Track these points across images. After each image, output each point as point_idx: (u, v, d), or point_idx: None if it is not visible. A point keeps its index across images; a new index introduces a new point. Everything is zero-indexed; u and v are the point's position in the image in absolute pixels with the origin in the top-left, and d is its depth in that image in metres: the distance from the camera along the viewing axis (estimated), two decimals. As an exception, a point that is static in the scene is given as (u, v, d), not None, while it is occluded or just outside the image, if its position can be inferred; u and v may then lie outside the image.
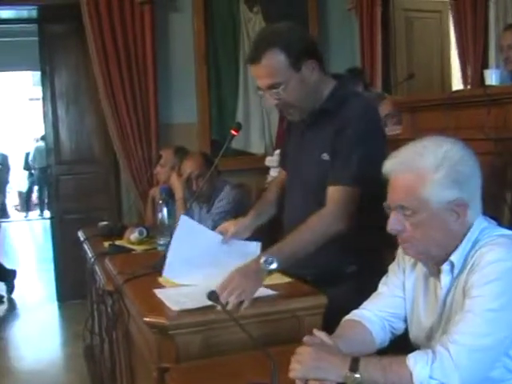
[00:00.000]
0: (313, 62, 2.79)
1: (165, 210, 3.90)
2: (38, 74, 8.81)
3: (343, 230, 2.71)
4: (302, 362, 1.92)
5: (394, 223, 2.10)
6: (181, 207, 4.27)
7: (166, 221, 3.89)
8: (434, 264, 2.15)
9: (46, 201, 14.64)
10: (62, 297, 7.91)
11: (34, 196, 17.32)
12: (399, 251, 2.33)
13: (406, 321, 2.30)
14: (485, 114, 3.41)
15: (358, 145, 2.74)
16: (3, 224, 9.98)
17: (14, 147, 17.83)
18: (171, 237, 3.01)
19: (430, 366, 1.84)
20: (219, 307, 2.27)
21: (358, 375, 1.86)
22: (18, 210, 17.66)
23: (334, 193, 2.75)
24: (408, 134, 3.96)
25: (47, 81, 7.76)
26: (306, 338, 2.01)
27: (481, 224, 2.08)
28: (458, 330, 1.90)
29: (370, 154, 2.71)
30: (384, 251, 2.85)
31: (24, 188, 17.23)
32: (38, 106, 9.60)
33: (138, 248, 4.28)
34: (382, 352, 2.25)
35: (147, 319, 2.41)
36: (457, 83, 7.82)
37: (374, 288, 2.37)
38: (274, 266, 2.55)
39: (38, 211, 17.03)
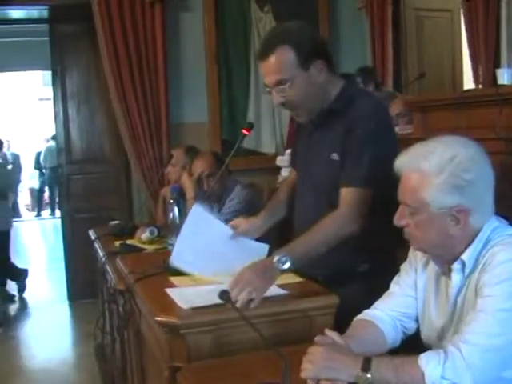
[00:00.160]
0: (321, 63, 2.78)
1: (176, 210, 3.90)
2: (47, 74, 8.83)
3: (356, 231, 2.70)
4: (313, 362, 1.92)
5: (398, 217, 2.12)
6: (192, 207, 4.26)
7: (177, 220, 3.88)
8: (445, 263, 2.15)
9: (57, 200, 14.66)
10: (73, 296, 7.93)
11: (45, 195, 17.37)
12: (411, 250, 2.33)
13: (417, 320, 2.30)
14: (496, 113, 3.40)
15: (369, 145, 2.73)
16: (15, 223, 9.99)
17: (25, 147, 17.88)
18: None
19: (442, 366, 1.84)
20: (230, 306, 2.27)
21: (369, 375, 1.86)
22: (28, 210, 17.72)
23: (346, 194, 2.75)
24: (419, 134, 3.95)
25: (58, 81, 7.78)
26: (317, 338, 2.01)
27: (492, 223, 2.08)
28: (469, 329, 1.90)
29: (381, 154, 2.70)
30: (396, 251, 2.84)
31: (35, 185, 17.29)
32: (48, 106, 9.63)
33: (149, 247, 4.29)
34: (394, 352, 2.25)
35: (158, 318, 2.41)
36: (468, 82, 7.80)
37: (386, 287, 2.37)
38: (286, 265, 2.55)
39: (49, 210, 17.09)
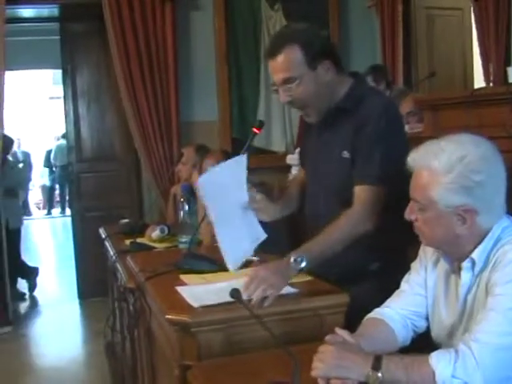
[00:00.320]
0: (329, 63, 2.79)
1: (186, 208, 3.91)
2: (58, 72, 8.85)
3: (371, 229, 2.71)
4: (324, 361, 1.91)
5: (409, 212, 2.14)
6: (202, 205, 4.26)
7: (188, 219, 3.89)
8: (454, 260, 2.15)
9: (67, 198, 14.71)
10: (83, 294, 7.96)
11: (56, 194, 17.42)
12: (421, 249, 2.33)
13: (427, 319, 2.29)
14: (507, 111, 3.40)
15: (379, 143, 2.73)
16: (25, 221, 10.03)
17: (35, 145, 17.94)
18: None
19: (453, 365, 1.83)
20: (241, 305, 2.27)
21: (380, 374, 1.86)
22: (39, 208, 17.77)
23: (360, 193, 2.75)
24: (430, 132, 3.95)
25: (68, 79, 7.81)
26: (328, 337, 2.01)
27: (503, 223, 2.07)
28: (480, 328, 1.89)
29: (392, 151, 2.71)
30: (408, 249, 2.84)
31: (46, 183, 17.35)
32: (58, 105, 9.65)
33: (160, 246, 4.30)
34: (404, 350, 2.25)
35: (169, 316, 2.41)
36: (479, 81, 7.77)
37: (397, 286, 2.37)
38: (303, 264, 2.56)
39: (59, 209, 17.13)
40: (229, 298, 2.23)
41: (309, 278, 2.78)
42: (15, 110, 17.96)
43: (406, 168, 2.12)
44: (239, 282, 2.63)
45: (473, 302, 2.07)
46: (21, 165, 11.55)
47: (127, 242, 4.45)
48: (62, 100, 8.12)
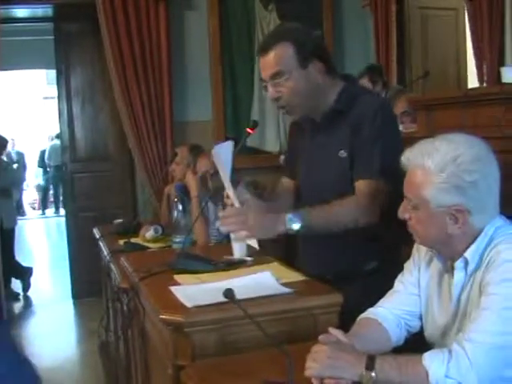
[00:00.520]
0: (320, 65, 2.82)
1: (180, 208, 3.91)
2: (51, 72, 8.84)
3: (376, 221, 2.72)
4: (317, 361, 1.92)
5: (402, 210, 2.15)
6: (196, 205, 4.27)
7: (182, 218, 3.89)
8: (447, 259, 2.15)
9: (62, 198, 14.69)
10: (77, 294, 7.95)
11: (50, 194, 17.41)
12: (414, 248, 2.34)
13: (421, 319, 2.30)
14: (501, 111, 3.40)
15: (377, 140, 2.75)
16: (19, 222, 10.01)
17: (29, 145, 17.92)
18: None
19: (446, 364, 1.84)
20: (235, 305, 2.27)
21: (373, 374, 1.86)
22: (34, 208, 17.74)
23: (360, 187, 2.77)
24: (423, 132, 3.95)
25: (62, 79, 7.79)
26: (321, 337, 2.01)
27: (496, 223, 2.08)
28: (473, 328, 1.90)
29: (389, 148, 2.73)
30: (403, 249, 2.85)
31: (41, 183, 17.33)
32: (52, 105, 9.64)
33: (154, 246, 4.30)
34: (398, 350, 2.25)
35: (163, 316, 2.41)
36: (473, 81, 7.79)
37: (392, 285, 2.37)
38: (296, 226, 2.63)
39: (53, 209, 17.11)
40: (223, 298, 2.23)
41: (303, 277, 2.79)
42: (9, 110, 17.97)
43: (400, 167, 2.13)
44: (233, 282, 2.64)
45: (466, 302, 2.07)
46: (15, 165, 11.55)
47: (121, 242, 4.45)
48: (56, 100, 8.11)
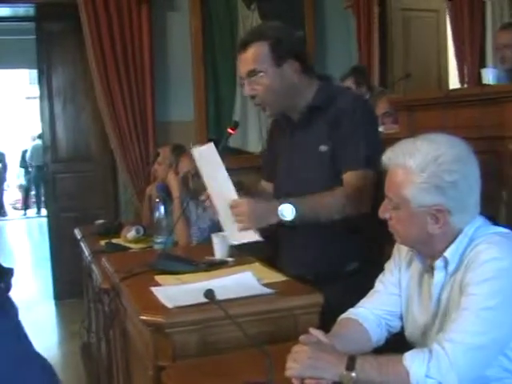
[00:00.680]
0: (295, 64, 2.86)
1: (162, 209, 3.90)
2: (34, 72, 8.80)
3: (368, 212, 2.72)
4: (298, 361, 1.92)
5: (382, 210, 2.15)
6: (177, 206, 4.26)
7: (163, 219, 3.88)
8: (427, 258, 2.16)
9: (43, 199, 14.63)
10: (58, 295, 7.91)
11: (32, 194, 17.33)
12: (395, 248, 2.34)
13: (402, 319, 2.30)
14: (482, 112, 3.42)
15: (360, 131, 2.80)
16: (0, 222, 9.98)
17: (11, 145, 17.85)
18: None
19: (427, 364, 1.84)
20: (216, 305, 2.27)
21: (354, 374, 1.86)
22: (16, 209, 17.66)
23: (348, 178, 2.79)
24: (405, 133, 3.95)
25: (44, 79, 7.75)
26: (302, 337, 2.01)
27: (476, 223, 2.08)
28: (454, 328, 1.90)
29: (373, 138, 2.82)
30: (385, 248, 2.86)
31: (23, 183, 17.26)
32: (35, 105, 9.60)
33: (135, 246, 4.29)
34: (379, 351, 2.25)
35: (143, 317, 2.41)
36: (454, 82, 7.83)
37: (373, 286, 2.38)
38: (289, 216, 2.65)
39: (35, 209, 17.04)
40: (203, 299, 2.23)
41: (284, 278, 2.79)
42: (-9, 110, 17.90)
43: (379, 166, 2.14)
44: (214, 282, 2.64)
45: (447, 302, 2.08)
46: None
47: (102, 242, 4.43)
48: (38, 100, 8.08)
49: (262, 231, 2.78)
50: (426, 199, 2.01)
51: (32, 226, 15.72)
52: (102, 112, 6.99)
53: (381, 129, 5.16)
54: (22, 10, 7.60)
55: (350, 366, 1.88)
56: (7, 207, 17.29)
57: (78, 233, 5.22)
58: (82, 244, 4.80)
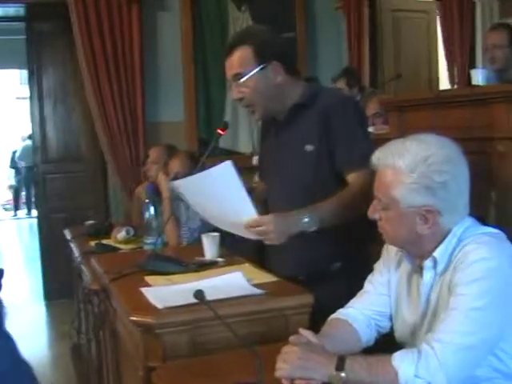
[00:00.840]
0: (279, 66, 2.90)
1: (151, 209, 3.90)
2: (25, 72, 8.78)
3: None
4: (288, 361, 1.92)
5: (372, 210, 2.16)
6: (167, 206, 4.25)
7: (153, 220, 3.88)
8: (416, 258, 2.17)
9: (34, 200, 14.59)
10: (49, 296, 7.89)
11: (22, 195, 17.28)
12: (384, 248, 2.35)
13: (391, 319, 2.31)
14: (471, 113, 3.43)
15: (354, 127, 2.84)
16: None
17: (0, 146, 17.80)
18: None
19: (416, 364, 1.85)
20: (205, 306, 2.27)
21: (343, 374, 1.87)
22: (5, 209, 17.60)
23: (354, 179, 2.79)
24: (395, 134, 3.96)
25: (34, 79, 7.74)
26: (292, 338, 2.02)
27: (465, 223, 2.09)
28: (442, 328, 1.91)
29: (368, 136, 2.90)
30: (369, 246, 2.88)
31: (14, 183, 17.21)
32: (25, 105, 9.59)
33: (125, 247, 4.29)
34: (368, 351, 2.26)
35: (133, 318, 2.40)
36: (444, 83, 7.84)
37: (361, 285, 2.38)
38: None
39: (25, 210, 16.99)
40: (193, 299, 2.23)
41: (274, 278, 2.79)
42: (-19, 110, 17.85)
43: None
44: (204, 283, 2.64)
45: (436, 302, 2.09)
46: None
47: (92, 243, 4.42)
48: (28, 100, 8.06)
49: None
50: (416, 200, 2.01)
51: (22, 227, 15.69)
52: (92, 112, 6.99)
53: (371, 129, 5.17)
54: (12, 10, 7.59)
55: (340, 367, 1.88)
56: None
57: (68, 233, 5.21)
58: (72, 245, 4.79)
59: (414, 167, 2.00)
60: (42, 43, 7.62)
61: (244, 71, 2.87)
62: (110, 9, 6.87)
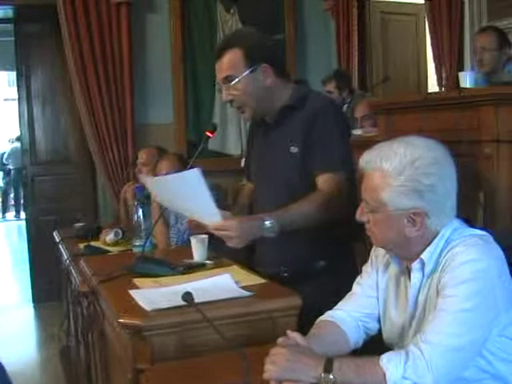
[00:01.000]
0: (268, 68, 2.93)
1: (140, 211, 3.89)
2: (13, 74, 8.76)
3: (341, 211, 2.74)
4: (276, 363, 1.92)
5: (360, 213, 2.16)
6: (156, 208, 4.25)
7: (142, 222, 3.87)
8: (404, 261, 2.18)
9: (22, 202, 14.54)
10: (37, 298, 7.86)
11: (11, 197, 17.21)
12: (373, 250, 2.35)
13: (379, 321, 2.31)
14: (459, 116, 3.44)
15: (333, 133, 2.86)
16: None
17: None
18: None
19: (403, 365, 1.85)
20: (194, 308, 2.28)
21: (331, 376, 1.87)
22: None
23: (322, 180, 2.83)
24: (384, 136, 3.96)
25: (23, 81, 7.73)
26: (280, 340, 2.02)
27: (453, 225, 2.10)
28: (430, 329, 1.92)
29: (345, 140, 2.90)
30: (354, 245, 2.90)
31: (2, 185, 17.15)
32: (14, 107, 9.57)
33: (114, 249, 4.28)
34: (357, 353, 2.26)
35: (122, 320, 2.40)
36: (433, 85, 7.86)
37: (346, 285, 2.39)
38: (272, 234, 2.69)
39: (13, 212, 16.93)
40: (182, 302, 2.23)
41: (262, 280, 2.80)
42: (-31, 112, 17.78)
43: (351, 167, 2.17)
44: (192, 285, 2.64)
45: (424, 304, 2.09)
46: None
47: (81, 245, 4.42)
48: (16, 102, 8.04)
49: None
50: (404, 202, 2.02)
51: (11, 229, 15.65)
52: (80, 114, 6.98)
53: (360, 132, 5.19)
54: (0, 11, 7.56)
55: (328, 368, 1.88)
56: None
57: (56, 236, 5.20)
58: (61, 247, 4.78)
59: (401, 170, 2.01)
60: (30, 45, 7.61)
61: (234, 74, 2.90)
62: (98, 11, 6.87)
